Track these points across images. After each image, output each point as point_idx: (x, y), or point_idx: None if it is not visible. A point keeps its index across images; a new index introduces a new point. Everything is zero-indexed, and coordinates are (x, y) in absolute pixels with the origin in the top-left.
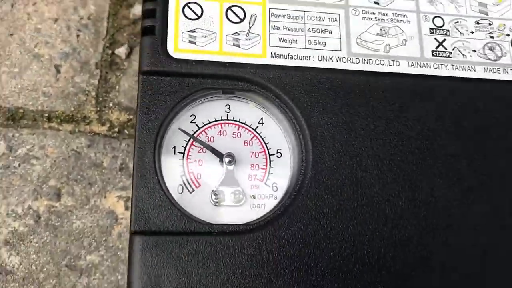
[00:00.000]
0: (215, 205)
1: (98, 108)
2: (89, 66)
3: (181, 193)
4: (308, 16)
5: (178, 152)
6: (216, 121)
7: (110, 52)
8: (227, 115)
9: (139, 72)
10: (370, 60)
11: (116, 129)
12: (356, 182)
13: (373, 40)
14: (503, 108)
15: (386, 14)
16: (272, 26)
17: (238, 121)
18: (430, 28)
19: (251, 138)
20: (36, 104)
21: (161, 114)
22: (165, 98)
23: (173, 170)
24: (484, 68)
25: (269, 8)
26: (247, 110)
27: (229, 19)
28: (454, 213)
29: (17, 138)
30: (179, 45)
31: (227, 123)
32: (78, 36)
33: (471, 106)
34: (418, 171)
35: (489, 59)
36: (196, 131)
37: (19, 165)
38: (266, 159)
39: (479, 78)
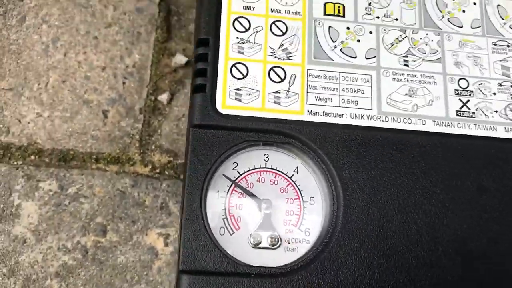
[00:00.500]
0: (252, 247)
1: (142, 151)
2: (133, 111)
3: (223, 234)
4: (342, 76)
5: (221, 197)
6: (255, 168)
7: (153, 98)
8: (266, 163)
9: (189, 125)
10: (399, 119)
11: (158, 170)
12: (383, 232)
13: (402, 100)
14: None
15: (415, 76)
16: (309, 85)
17: (275, 169)
18: (455, 89)
19: (287, 185)
20: (85, 146)
21: (208, 163)
22: (212, 149)
23: (217, 213)
24: (505, 128)
25: (308, 69)
26: (284, 159)
27: (271, 79)
28: (472, 265)
29: (68, 178)
30: (227, 102)
31: (265, 170)
32: (124, 83)
33: (492, 163)
34: (440, 224)
35: (510, 120)
36: (238, 177)
37: (69, 203)
38: (300, 206)
39: (500, 137)
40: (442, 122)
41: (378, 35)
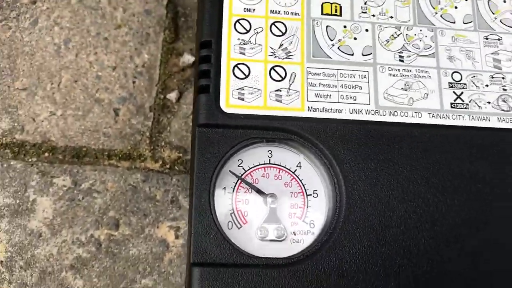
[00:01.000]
0: (260, 240)
1: (152, 147)
2: (144, 109)
3: (231, 228)
4: (340, 73)
5: (228, 193)
6: (260, 164)
7: (162, 96)
8: (269, 159)
9: (194, 125)
10: (396, 112)
11: (168, 166)
12: (384, 221)
13: (398, 94)
14: None
15: (410, 71)
16: (309, 83)
17: (279, 165)
18: (449, 83)
19: (291, 180)
20: (98, 143)
21: (214, 160)
22: (218, 147)
23: (224, 208)
24: (498, 118)
25: (307, 67)
26: (287, 155)
27: (272, 78)
28: (473, 250)
29: (81, 174)
30: (230, 101)
31: (269, 166)
32: (134, 82)
33: (486, 152)
34: (439, 212)
35: (503, 110)
36: (243, 173)
37: (82, 198)
38: (304, 199)
39: (493, 127)
40: (438, 114)
41: (374, 33)
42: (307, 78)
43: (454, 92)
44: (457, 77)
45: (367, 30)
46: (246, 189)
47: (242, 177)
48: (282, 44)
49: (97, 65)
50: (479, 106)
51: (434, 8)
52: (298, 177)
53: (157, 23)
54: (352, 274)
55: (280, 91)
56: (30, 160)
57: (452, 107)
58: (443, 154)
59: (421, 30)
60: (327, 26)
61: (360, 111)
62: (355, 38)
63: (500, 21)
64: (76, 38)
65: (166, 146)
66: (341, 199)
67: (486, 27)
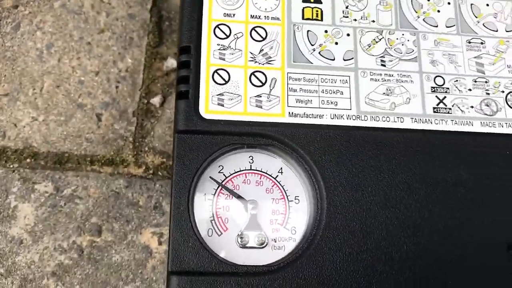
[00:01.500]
0: (240, 247)
1: (135, 152)
2: (127, 114)
3: (211, 236)
4: (321, 78)
5: (208, 199)
6: (241, 171)
7: (145, 101)
8: (251, 165)
9: (174, 131)
10: (377, 118)
11: (151, 171)
12: (366, 228)
13: (380, 99)
14: (500, 159)
15: (392, 75)
16: (290, 88)
17: (260, 171)
18: (431, 87)
19: (272, 186)
20: (80, 149)
21: (194, 167)
22: (198, 153)
23: (204, 215)
24: (481, 122)
25: (287, 73)
26: (268, 161)
27: (252, 83)
28: (455, 256)
29: (63, 180)
30: (209, 107)
31: (250, 172)
32: (117, 87)
33: (469, 157)
34: (421, 218)
35: (486, 114)
36: (224, 180)
37: (64, 204)
38: (286, 205)
39: (476, 132)
40: (420, 119)
41: (355, 37)
42: (287, 84)
43: (436, 96)
44: (439, 81)
45: (348, 35)
46: (226, 195)
47: (223, 183)
48: (263, 49)
49: (80, 70)
50: (462, 111)
51: (416, 12)
52: (279, 183)
53: (140, 27)
54: (333, 281)
55: (261, 96)
56: (11, 166)
57: (434, 111)
58: (425, 159)
59: (403, 34)
60: (308, 31)
61: (341, 117)
62: (336, 43)
63: (483, 25)
64: (58, 42)
65: (149, 151)
66: (322, 205)
67: (469, 30)
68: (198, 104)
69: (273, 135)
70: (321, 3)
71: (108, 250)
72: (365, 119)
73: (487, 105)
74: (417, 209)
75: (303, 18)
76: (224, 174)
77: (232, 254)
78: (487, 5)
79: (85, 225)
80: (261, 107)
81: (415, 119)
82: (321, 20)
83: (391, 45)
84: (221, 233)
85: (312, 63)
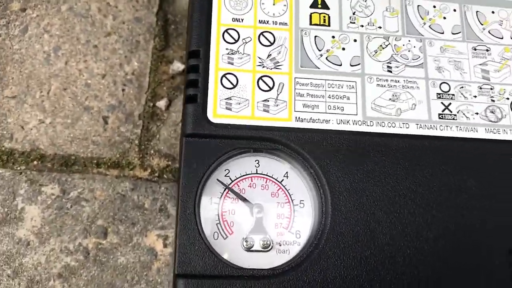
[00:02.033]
0: (245, 250)
1: (141, 155)
2: (133, 117)
3: (216, 239)
4: (328, 84)
5: (214, 203)
6: (247, 174)
7: (151, 104)
8: (257, 169)
9: (182, 135)
10: (383, 123)
11: (157, 174)
12: (370, 232)
13: (386, 105)
14: (504, 165)
15: (398, 81)
16: (297, 93)
17: (266, 175)
18: (437, 93)
19: (277, 190)
20: (86, 151)
21: (201, 170)
22: (205, 157)
23: (210, 219)
24: (485, 129)
25: (295, 78)
26: (274, 165)
27: (260, 88)
28: (459, 262)
29: (70, 182)
30: (217, 111)
31: (256, 176)
32: (123, 90)
33: (473, 164)
34: (424, 223)
35: (491, 121)
36: (230, 183)
37: (71, 206)
38: (291, 209)
39: (481, 138)
40: (425, 125)
41: (362, 43)
42: (295, 88)
43: (442, 103)
44: (445, 87)
45: (355, 41)
46: (232, 199)
47: (230, 186)
48: (271, 54)
49: (86, 73)
50: (467, 117)
51: (422, 19)
52: (285, 187)
53: (147, 30)
54: (337, 286)
55: (268, 101)
56: (18, 168)
57: (440, 117)
58: (430, 165)
59: (409, 41)
60: (315, 36)
61: (348, 122)
62: (343, 49)
63: (489, 32)
64: (65, 45)
65: (155, 154)
66: (327, 210)
67: (475, 37)
68: (206, 108)
69: (280, 140)
70: (328, 9)
71: (113, 252)
72: (371, 124)
73: (492, 112)
74: (421, 215)
75: (310, 24)
76: (230, 178)
77: (237, 257)
78: (493, 12)
79: (91, 227)
80: (268, 111)
81: (421, 125)
82: (329, 25)
83: (397, 51)
84: (227, 237)
85: (319, 68)
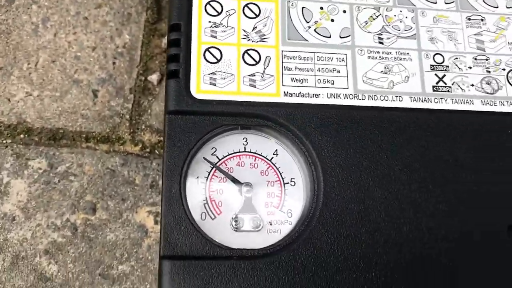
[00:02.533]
0: (235, 230)
1: (132, 130)
2: (123, 91)
3: (204, 219)
4: (317, 57)
5: (201, 182)
6: (234, 153)
7: (143, 78)
8: (245, 147)
9: (165, 112)
10: (375, 96)
11: (148, 150)
12: (364, 209)
13: (378, 77)
14: (500, 137)
15: (390, 53)
16: (284, 67)
17: (255, 153)
18: (431, 65)
19: (267, 168)
20: (75, 125)
21: (185, 149)
22: (189, 135)
23: (197, 199)
24: (481, 101)
25: (282, 51)
26: (263, 142)
27: (245, 62)
28: (453, 238)
29: (57, 157)
30: (201, 86)
31: (244, 154)
32: (114, 63)
33: (469, 137)
34: (421, 199)
35: (486, 93)
36: (217, 162)
37: (58, 181)
38: (281, 188)
39: (477, 111)
40: (419, 98)
41: (352, 14)
42: (282, 62)
43: (436, 74)
44: (439, 59)
45: (344, 12)
46: (220, 178)
47: (217, 165)
48: (256, 27)
49: (76, 45)
50: (462, 89)
51: None
52: (274, 165)
53: (139, 2)
54: (330, 264)
55: (254, 75)
56: (4, 141)
57: (434, 90)
58: (425, 139)
59: (401, 11)
60: (302, 8)
61: (338, 96)
62: (332, 20)
63: (483, 1)
64: (55, 17)
65: (146, 130)
66: (318, 187)
67: (469, 7)
68: (189, 83)
69: (268, 115)
70: None
71: (102, 229)
72: (363, 98)
73: (488, 83)
74: (417, 190)
75: None
76: (217, 157)
77: (227, 238)
78: None
79: (80, 202)
80: (255, 86)
81: (414, 97)
82: None
83: (388, 22)
84: (215, 217)
85: (307, 40)
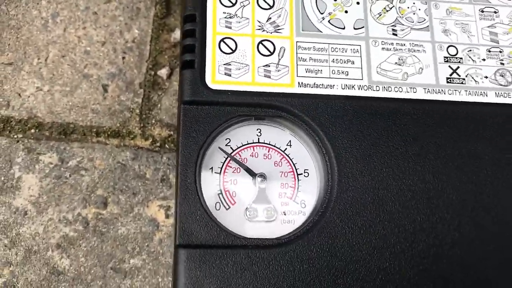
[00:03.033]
0: (249, 220)
1: (142, 124)
2: (133, 86)
3: (218, 209)
4: (332, 48)
5: (215, 173)
6: (248, 144)
7: (152, 73)
8: (258, 138)
9: (179, 102)
10: (389, 88)
11: (158, 144)
12: (378, 200)
13: (392, 69)
14: None
15: (404, 45)
16: (299, 58)
17: (269, 144)
18: (444, 57)
19: (281, 159)
20: (86, 120)
21: (200, 139)
22: (204, 125)
23: (212, 189)
24: (495, 93)
25: (297, 42)
26: (276, 133)
27: (260, 53)
28: (467, 229)
29: (68, 151)
30: (216, 77)
31: (258, 145)
32: (123, 58)
33: (483, 128)
34: (435, 190)
35: (500, 85)
36: (231, 153)
37: (70, 175)
38: (295, 178)
39: (491, 103)
40: (433, 90)
41: (365, 6)
42: (297, 53)
43: (449, 66)
44: (452, 51)
45: (358, 3)
46: (234, 169)
47: (232, 155)
48: (270, 18)
49: (85, 40)
50: (476, 81)
51: None
52: (288, 156)
53: None
54: (345, 254)
55: (269, 66)
56: (15, 136)
57: (448, 82)
58: (438, 131)
59: (414, 3)
60: None
61: (353, 87)
62: (346, 11)
63: None
64: (64, 12)
65: (156, 124)
66: (332, 178)
67: None
68: (204, 74)
69: (282, 106)
70: None
71: (114, 223)
72: (377, 89)
73: (502, 75)
74: (431, 181)
75: None
76: (231, 147)
77: (241, 227)
78: None
79: (91, 197)
80: (269, 77)
81: (428, 89)
82: None
83: (402, 14)
84: (229, 207)
85: (321, 31)
